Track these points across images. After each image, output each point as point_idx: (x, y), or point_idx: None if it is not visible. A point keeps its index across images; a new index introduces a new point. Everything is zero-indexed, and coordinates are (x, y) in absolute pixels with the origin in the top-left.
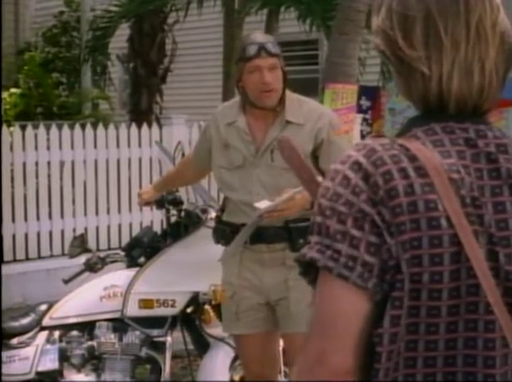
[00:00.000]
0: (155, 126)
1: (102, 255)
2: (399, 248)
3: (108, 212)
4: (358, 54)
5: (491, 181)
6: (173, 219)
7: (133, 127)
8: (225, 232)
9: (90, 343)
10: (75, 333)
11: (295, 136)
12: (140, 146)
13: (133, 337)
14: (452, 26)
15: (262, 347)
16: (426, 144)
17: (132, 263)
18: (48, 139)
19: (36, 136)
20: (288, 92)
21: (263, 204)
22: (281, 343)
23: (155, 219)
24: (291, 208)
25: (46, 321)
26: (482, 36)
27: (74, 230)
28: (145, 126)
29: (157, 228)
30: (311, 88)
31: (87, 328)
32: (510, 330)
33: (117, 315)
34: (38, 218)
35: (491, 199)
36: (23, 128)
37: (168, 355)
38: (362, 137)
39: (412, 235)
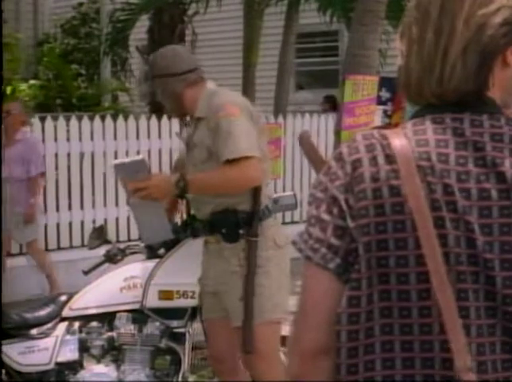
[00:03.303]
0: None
1: (121, 246)
2: (358, 232)
3: (128, 203)
4: (379, 45)
5: (477, 169)
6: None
7: (153, 119)
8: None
9: (109, 334)
10: (94, 323)
11: (200, 130)
12: (160, 137)
13: (153, 328)
14: (421, 23)
15: (218, 332)
16: (408, 133)
17: (152, 254)
18: (67, 131)
19: (55, 128)
20: (208, 87)
21: None
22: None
23: None
24: (150, 187)
25: (66, 312)
26: (447, 29)
27: (94, 221)
28: (164, 118)
29: (177, 220)
30: (331, 80)
31: (107, 319)
32: (451, 321)
33: (136, 306)
34: (58, 209)
35: (476, 186)
36: (42, 120)
37: (187, 346)
38: None
39: (377, 220)
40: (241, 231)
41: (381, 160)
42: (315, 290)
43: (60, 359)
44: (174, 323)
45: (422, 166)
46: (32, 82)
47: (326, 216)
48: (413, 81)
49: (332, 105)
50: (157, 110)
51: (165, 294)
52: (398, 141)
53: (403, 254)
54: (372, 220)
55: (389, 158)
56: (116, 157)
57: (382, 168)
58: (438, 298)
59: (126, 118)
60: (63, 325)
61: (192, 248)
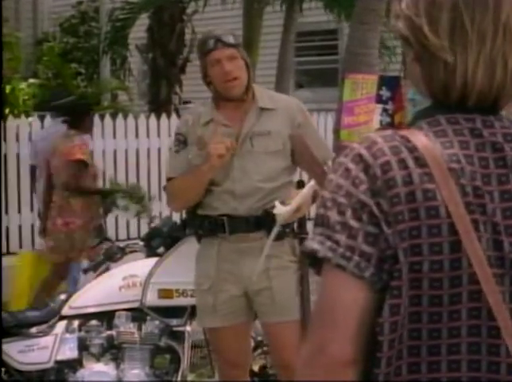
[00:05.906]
0: (174, 117)
1: (121, 244)
2: (396, 238)
3: None
4: (383, 43)
5: (498, 170)
6: None
7: (152, 118)
8: (203, 225)
9: (109, 332)
10: (94, 322)
11: (271, 121)
12: (159, 136)
13: (153, 326)
14: (479, 20)
15: (237, 337)
16: (428, 135)
17: (151, 252)
18: None
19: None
20: (255, 85)
21: (281, 210)
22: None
23: None
24: (304, 206)
25: (65, 311)
26: (508, 35)
27: None
28: (164, 117)
29: (177, 218)
30: (330, 78)
31: (107, 317)
32: (504, 320)
33: (136, 305)
34: None
35: (498, 187)
36: (42, 118)
37: (187, 344)
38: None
39: (411, 225)
40: (287, 230)
41: (410, 163)
42: (346, 299)
43: (60, 357)
44: (173, 322)
45: (454, 169)
46: (31, 81)
47: (354, 223)
48: (477, 82)
49: None
50: (156, 108)
51: (165, 293)
52: (423, 143)
53: (438, 259)
54: (407, 225)
55: (419, 161)
56: (115, 156)
57: (414, 171)
58: (490, 302)
59: (125, 117)
60: (62, 324)
61: (192, 247)
